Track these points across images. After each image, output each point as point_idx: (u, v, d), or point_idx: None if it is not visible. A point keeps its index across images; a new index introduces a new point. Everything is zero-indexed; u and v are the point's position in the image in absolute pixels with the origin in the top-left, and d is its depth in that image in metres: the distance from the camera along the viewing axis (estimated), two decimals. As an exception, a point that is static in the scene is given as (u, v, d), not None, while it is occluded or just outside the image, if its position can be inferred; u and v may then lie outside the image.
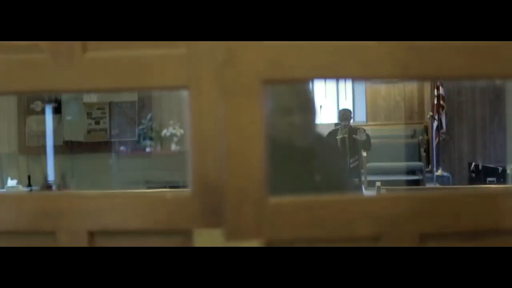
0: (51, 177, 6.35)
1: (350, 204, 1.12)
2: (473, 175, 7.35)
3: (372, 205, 1.12)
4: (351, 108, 8.93)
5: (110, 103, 6.57)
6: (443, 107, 8.55)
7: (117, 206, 1.81)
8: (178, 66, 1.68)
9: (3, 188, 6.06)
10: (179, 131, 7.45)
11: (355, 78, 1.25)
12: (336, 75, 1.10)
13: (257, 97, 1.05)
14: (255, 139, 1.09)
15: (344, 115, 7.75)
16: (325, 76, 1.10)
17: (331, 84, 10.54)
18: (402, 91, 9.80)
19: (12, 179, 6.11)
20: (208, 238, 1.56)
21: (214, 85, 1.74)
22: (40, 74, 1.86)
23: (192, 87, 1.70)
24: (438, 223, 1.16)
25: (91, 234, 1.85)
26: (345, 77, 1.11)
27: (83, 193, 1.92)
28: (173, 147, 7.51)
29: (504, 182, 6.52)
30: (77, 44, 1.83)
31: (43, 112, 6.39)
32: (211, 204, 1.59)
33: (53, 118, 6.45)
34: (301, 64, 1.06)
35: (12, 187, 5.85)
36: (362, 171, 7.70)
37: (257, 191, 1.07)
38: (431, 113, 8.74)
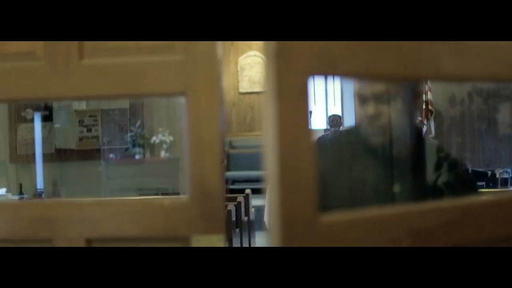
0: (41, 185, 6.31)
1: (393, 219, 1.06)
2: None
3: (413, 218, 1.07)
4: (340, 114, 8.96)
5: (101, 111, 6.55)
6: (431, 112, 8.59)
7: (114, 213, 1.80)
8: (175, 72, 1.68)
9: (-8, 196, 6.03)
10: (168, 138, 7.44)
11: (394, 77, 1.25)
12: (378, 74, 1.08)
13: (306, 93, 0.95)
14: (307, 144, 0.97)
15: (334, 120, 7.78)
16: (367, 74, 1.08)
17: (320, 90, 10.55)
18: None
19: (1, 187, 6.07)
20: (206, 244, 1.56)
21: (212, 90, 1.74)
22: (36, 81, 1.85)
23: (190, 93, 1.70)
24: (465, 232, 1.16)
25: (89, 241, 1.85)
26: (385, 76, 1.12)
27: (80, 200, 1.91)
28: (163, 154, 7.49)
29: (494, 186, 6.56)
30: (74, 51, 1.83)
31: (34, 120, 6.36)
32: (209, 210, 1.59)
33: (44, 126, 6.41)
34: (347, 60, 1.02)
35: (1, 195, 5.82)
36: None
37: (309, 207, 0.96)
38: (419, 118, 8.78)
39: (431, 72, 1.10)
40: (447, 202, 1.23)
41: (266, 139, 0.92)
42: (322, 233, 0.96)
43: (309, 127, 0.99)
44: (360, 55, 1.01)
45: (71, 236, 1.85)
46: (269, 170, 0.92)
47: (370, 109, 1.80)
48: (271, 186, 0.92)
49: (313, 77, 0.97)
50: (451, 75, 1.15)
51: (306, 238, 0.94)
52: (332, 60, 0.99)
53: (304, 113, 0.97)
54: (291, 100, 0.95)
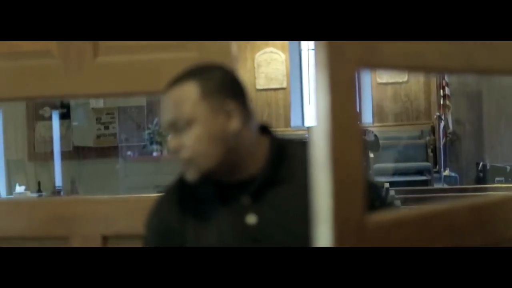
0: (59, 183, 6.34)
1: (432, 218, 1.05)
2: (481, 174, 7.32)
3: (448, 217, 1.07)
4: (357, 109, 8.89)
5: (118, 108, 6.55)
6: (449, 107, 8.53)
7: (130, 210, 1.81)
8: (189, 70, 1.67)
9: (11, 194, 6.06)
10: (185, 135, 7.43)
11: (434, 69, 1.24)
12: (420, 66, 1.08)
13: (354, 85, 0.92)
14: (357, 139, 0.93)
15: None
16: (411, 66, 1.07)
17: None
18: (409, 91, 9.78)
19: (20, 185, 6.10)
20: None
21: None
22: (51, 79, 1.86)
23: (204, 90, 1.70)
24: (493, 230, 1.15)
25: (105, 239, 1.86)
26: (427, 68, 1.13)
27: (96, 198, 1.92)
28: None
29: (513, 181, 6.49)
30: (88, 49, 1.83)
31: (52, 118, 6.38)
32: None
33: (62, 124, 6.43)
34: (394, 51, 1.01)
35: (20, 193, 5.85)
36: (370, 172, 7.68)
37: (359, 206, 0.92)
38: (437, 113, 8.72)
39: (465, 65, 1.12)
40: (480, 199, 1.22)
41: (316, 134, 0.88)
42: (370, 234, 0.93)
43: (359, 122, 0.95)
44: (405, 48, 1.00)
45: (87, 233, 1.86)
46: (320, 166, 0.88)
47: (171, 142, 1.47)
48: (321, 183, 0.88)
49: (361, 70, 0.94)
50: (483, 68, 1.17)
51: (356, 238, 0.91)
52: (380, 52, 0.97)
53: (354, 106, 0.93)
54: (343, 92, 0.91)
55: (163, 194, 1.60)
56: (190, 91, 1.44)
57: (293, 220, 1.46)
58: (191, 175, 1.47)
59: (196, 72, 1.47)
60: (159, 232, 1.56)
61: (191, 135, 1.44)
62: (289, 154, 1.53)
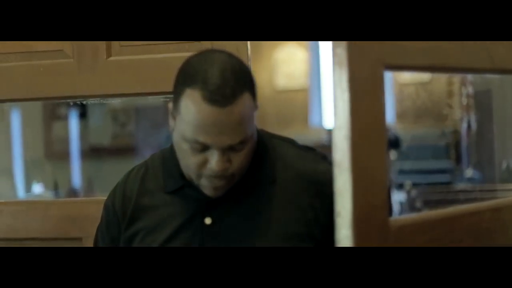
0: (77, 182, 6.36)
1: (457, 220, 1.03)
2: (505, 174, 7.22)
3: (472, 218, 1.05)
4: (384, 110, 8.84)
5: (136, 108, 6.55)
6: (472, 107, 8.43)
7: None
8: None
9: (29, 192, 6.09)
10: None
11: (457, 70, 1.22)
12: (444, 67, 1.07)
13: (380, 87, 0.90)
14: (380, 141, 0.91)
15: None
16: (434, 67, 1.05)
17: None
18: (431, 90, 9.69)
19: (37, 182, 6.12)
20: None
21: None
22: (65, 79, 1.85)
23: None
24: None
25: (118, 241, 1.84)
26: (450, 69, 1.16)
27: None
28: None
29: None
30: (101, 49, 1.82)
31: (69, 117, 6.40)
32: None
33: (79, 123, 6.45)
34: (419, 51, 0.98)
35: (38, 194, 5.85)
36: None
37: (381, 211, 0.90)
38: (460, 112, 8.63)
39: (488, 65, 1.10)
40: (503, 200, 1.19)
41: (336, 136, 0.86)
42: (393, 236, 0.91)
43: (384, 124, 0.92)
44: (428, 50, 0.98)
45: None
46: (341, 168, 0.86)
47: (221, 164, 1.27)
48: (342, 185, 0.85)
49: (385, 70, 0.91)
50: (505, 68, 1.15)
51: (379, 241, 0.89)
52: (404, 52, 0.95)
53: (378, 108, 0.90)
54: (364, 94, 0.88)
55: (125, 177, 1.55)
56: (249, 105, 1.27)
57: (251, 233, 1.34)
58: (219, 191, 1.34)
59: (240, 78, 1.27)
60: (109, 215, 1.52)
61: (245, 151, 1.29)
62: (274, 153, 1.40)
